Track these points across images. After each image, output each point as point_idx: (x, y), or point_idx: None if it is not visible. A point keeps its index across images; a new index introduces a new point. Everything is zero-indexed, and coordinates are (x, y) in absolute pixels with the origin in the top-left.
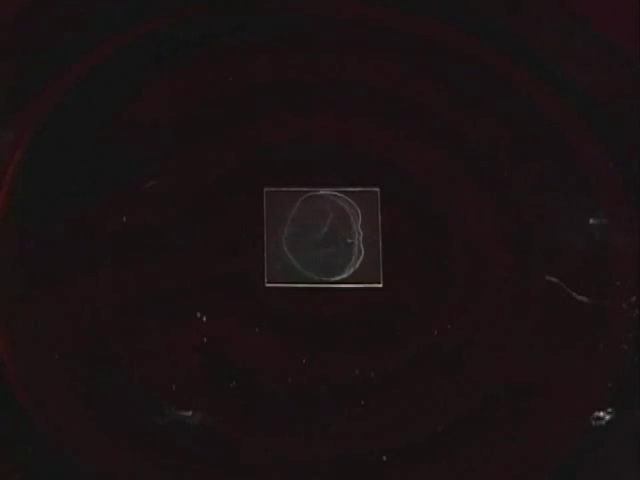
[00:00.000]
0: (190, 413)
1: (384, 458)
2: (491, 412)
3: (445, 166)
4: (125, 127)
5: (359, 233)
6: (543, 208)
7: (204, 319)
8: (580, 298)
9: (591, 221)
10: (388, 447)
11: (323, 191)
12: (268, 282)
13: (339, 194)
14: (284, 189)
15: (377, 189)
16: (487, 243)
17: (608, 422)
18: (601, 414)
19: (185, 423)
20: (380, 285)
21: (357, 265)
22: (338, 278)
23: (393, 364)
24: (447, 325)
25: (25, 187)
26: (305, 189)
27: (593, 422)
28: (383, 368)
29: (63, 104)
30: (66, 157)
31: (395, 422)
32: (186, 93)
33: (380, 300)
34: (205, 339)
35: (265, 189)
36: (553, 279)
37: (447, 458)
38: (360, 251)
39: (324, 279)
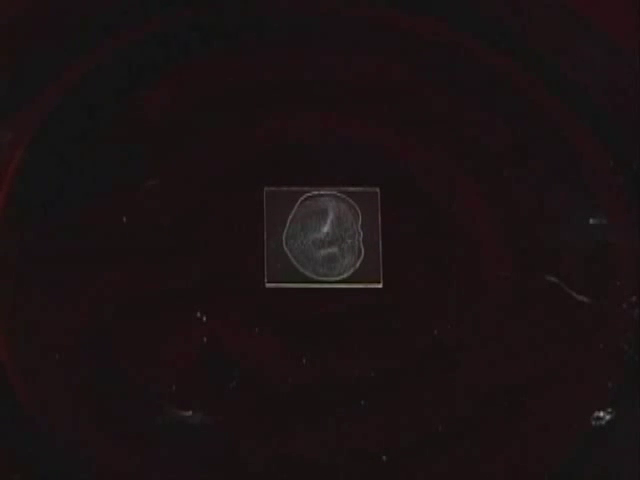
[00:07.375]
0: (190, 413)
1: (384, 458)
2: (491, 412)
3: (445, 166)
4: (125, 127)
5: (359, 233)
6: (543, 208)
7: (204, 319)
8: (580, 298)
9: (591, 221)
10: (388, 447)
11: (323, 191)
12: (268, 282)
13: (339, 194)
14: (284, 189)
15: (377, 189)
16: (487, 243)
17: (608, 422)
18: (601, 414)
19: (185, 423)
20: (380, 285)
21: (357, 265)
22: (338, 278)
23: (393, 364)
24: (447, 325)
25: (25, 187)
26: (305, 189)
27: (593, 422)
28: (383, 368)
29: (63, 104)
30: (66, 157)
31: (395, 422)
32: (186, 93)
33: (380, 300)
34: (205, 339)
35: (265, 189)
36: (553, 279)
37: (447, 458)
38: (360, 251)
39: (324, 279)
